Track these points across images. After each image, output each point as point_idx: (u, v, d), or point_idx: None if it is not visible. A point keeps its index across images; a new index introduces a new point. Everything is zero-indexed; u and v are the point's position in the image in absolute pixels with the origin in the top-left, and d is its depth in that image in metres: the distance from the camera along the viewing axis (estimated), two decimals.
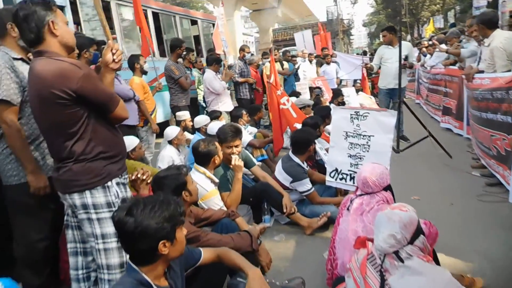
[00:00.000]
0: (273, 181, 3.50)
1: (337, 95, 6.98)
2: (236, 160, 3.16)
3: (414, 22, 32.74)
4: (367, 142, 3.26)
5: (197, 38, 10.35)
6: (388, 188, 2.34)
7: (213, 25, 9.94)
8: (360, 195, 2.32)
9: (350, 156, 3.37)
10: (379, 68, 6.23)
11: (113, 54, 1.98)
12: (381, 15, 38.11)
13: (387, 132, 3.16)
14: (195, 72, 6.70)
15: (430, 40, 11.17)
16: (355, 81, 11.28)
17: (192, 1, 45.72)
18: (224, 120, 5.81)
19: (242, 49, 7.42)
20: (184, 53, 5.85)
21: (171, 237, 1.52)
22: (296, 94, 7.84)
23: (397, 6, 30.14)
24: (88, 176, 1.91)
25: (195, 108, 6.57)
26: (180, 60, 5.92)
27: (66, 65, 1.82)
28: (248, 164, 3.62)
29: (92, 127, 1.92)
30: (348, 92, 7.91)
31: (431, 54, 9.03)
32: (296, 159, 3.51)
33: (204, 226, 2.70)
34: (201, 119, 5.00)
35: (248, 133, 5.57)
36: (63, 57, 1.89)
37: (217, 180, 2.99)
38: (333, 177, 3.49)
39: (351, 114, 3.31)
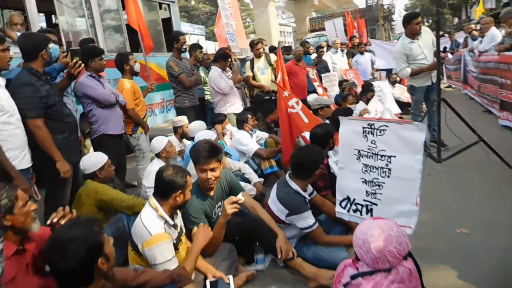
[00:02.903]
0: (265, 214, 2.72)
1: (366, 90, 5.97)
2: (229, 204, 2.43)
3: (462, 3, 30.01)
4: (386, 165, 2.37)
5: (168, 23, 7.47)
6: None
7: None
8: (368, 273, 1.49)
9: (365, 182, 2.50)
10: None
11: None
12: None
13: (414, 151, 2.25)
14: (201, 72, 5.99)
15: (479, 23, 9.79)
16: (390, 71, 10.09)
17: None
18: (230, 125, 5.09)
19: (259, 42, 6.54)
20: (184, 46, 5.13)
21: None
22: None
23: None
24: None
25: (203, 110, 5.87)
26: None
27: None
28: (234, 191, 2.85)
29: None
30: (381, 86, 6.84)
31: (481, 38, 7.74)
32: (294, 186, 2.68)
33: None
34: (196, 126, 4.27)
35: (257, 139, 4.81)
36: None
37: (172, 222, 2.24)
38: (344, 208, 2.63)
39: (363, 127, 2.43)
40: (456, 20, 28.45)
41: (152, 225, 2.14)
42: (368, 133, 2.43)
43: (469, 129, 4.23)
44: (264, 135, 4.90)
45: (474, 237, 2.89)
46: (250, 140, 4.44)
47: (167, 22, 7.33)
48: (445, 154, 4.38)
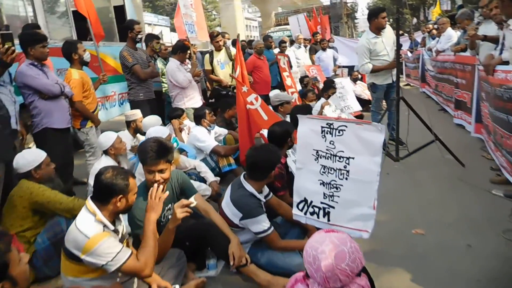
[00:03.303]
0: (218, 218, 2.55)
1: (328, 86, 5.92)
2: (179, 208, 2.22)
3: (420, 4, 31.17)
4: (344, 166, 2.28)
5: (121, 11, 6.80)
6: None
7: None
8: None
9: (323, 183, 2.39)
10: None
11: None
12: None
13: (372, 153, 2.17)
14: (159, 63, 5.69)
15: (436, 23, 10.11)
16: (352, 68, 10.19)
17: None
18: (187, 120, 4.87)
19: (219, 35, 6.34)
20: (139, 36, 4.79)
21: None
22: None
23: None
24: None
25: (161, 104, 5.58)
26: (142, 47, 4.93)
27: None
28: (185, 192, 2.66)
29: None
30: (343, 83, 6.84)
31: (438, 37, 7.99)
32: (249, 187, 2.53)
33: None
34: (151, 121, 4.02)
35: (216, 135, 4.63)
36: None
37: (112, 227, 2.02)
38: (301, 210, 2.51)
39: (322, 127, 2.32)
40: (415, 20, 29.46)
41: (89, 228, 1.90)
42: (327, 133, 2.32)
43: (426, 128, 4.27)
44: (223, 131, 4.73)
45: (430, 237, 2.87)
46: (208, 137, 4.26)
47: (120, 10, 6.75)
48: (403, 152, 4.40)
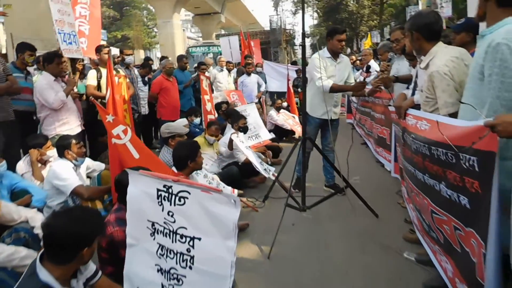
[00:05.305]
0: None
1: (237, 117, 5.20)
2: None
3: (354, 36, 32.82)
4: (188, 250, 1.55)
5: None
6: None
7: None
8: None
9: (160, 270, 1.63)
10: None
11: None
12: (323, 27, 38.12)
13: (224, 235, 1.46)
14: (37, 77, 4.66)
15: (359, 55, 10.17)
16: (281, 94, 9.76)
17: (134, 1, 43.18)
18: (53, 150, 3.88)
19: (121, 51, 5.52)
20: None
21: None
22: (195, 112, 6.08)
23: (337, 19, 30.01)
24: None
25: (31, 127, 4.50)
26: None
27: None
28: None
29: None
30: (248, 110, 6.14)
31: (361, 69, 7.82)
32: (45, 275, 1.60)
33: None
34: None
35: (88, 171, 3.72)
36: None
37: None
38: None
39: (158, 189, 1.58)
40: (348, 50, 30.87)
41: None
42: (164, 199, 1.58)
43: (336, 172, 3.73)
44: (99, 166, 3.82)
45: None
46: (71, 174, 3.33)
47: None
48: (311, 200, 3.76)
